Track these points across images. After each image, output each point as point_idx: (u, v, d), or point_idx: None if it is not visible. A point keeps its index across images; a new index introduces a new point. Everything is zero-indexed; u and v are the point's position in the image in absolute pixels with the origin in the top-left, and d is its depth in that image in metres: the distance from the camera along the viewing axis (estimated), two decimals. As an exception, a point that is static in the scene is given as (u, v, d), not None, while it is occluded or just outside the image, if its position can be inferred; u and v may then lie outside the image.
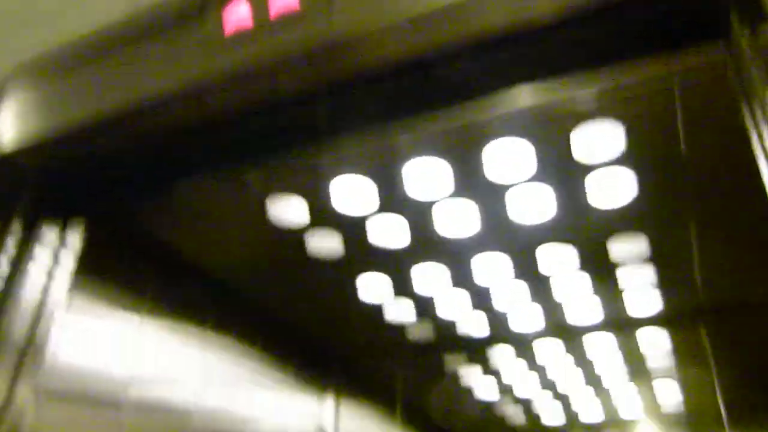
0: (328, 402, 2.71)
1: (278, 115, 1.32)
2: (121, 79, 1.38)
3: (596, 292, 2.11)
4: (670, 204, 1.68)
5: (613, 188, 1.62)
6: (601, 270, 1.97)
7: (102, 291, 1.70)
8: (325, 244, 1.88)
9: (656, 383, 2.96)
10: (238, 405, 2.15)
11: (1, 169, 1.50)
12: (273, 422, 2.31)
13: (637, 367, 2.76)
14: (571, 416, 3.38)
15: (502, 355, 2.67)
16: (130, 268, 1.83)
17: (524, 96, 1.27)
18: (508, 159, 1.54)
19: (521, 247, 1.87)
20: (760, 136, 1.01)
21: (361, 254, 1.92)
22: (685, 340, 2.48)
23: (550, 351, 2.60)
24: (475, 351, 2.65)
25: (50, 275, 1.53)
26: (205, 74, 1.26)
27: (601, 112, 1.37)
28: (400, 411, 3.24)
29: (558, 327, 2.37)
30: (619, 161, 1.51)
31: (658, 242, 1.83)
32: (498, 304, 2.20)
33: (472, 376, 2.93)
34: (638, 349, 2.57)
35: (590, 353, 2.60)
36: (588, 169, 1.55)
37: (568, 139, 1.44)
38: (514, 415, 3.42)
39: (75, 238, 1.60)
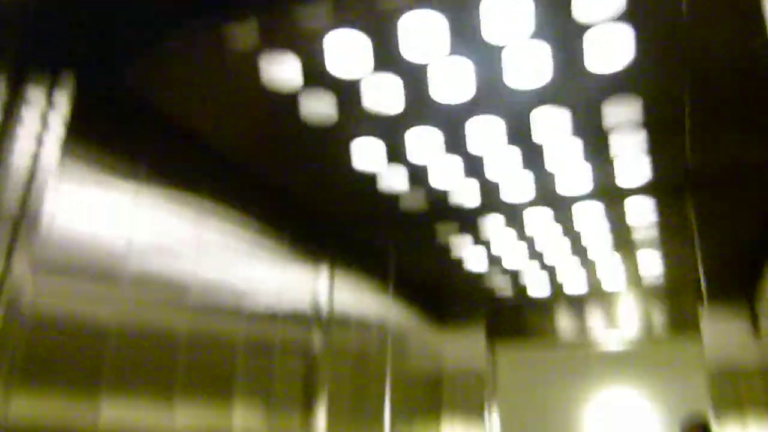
0: (323, 274, 2.78)
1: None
2: None
3: (587, 158, 2.13)
4: (666, 68, 1.67)
5: (611, 48, 1.60)
6: (593, 135, 1.98)
7: (95, 159, 1.67)
8: (319, 108, 1.86)
9: (640, 255, 3.05)
10: (234, 277, 2.19)
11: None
12: (269, 294, 2.38)
13: (622, 239, 2.83)
14: (557, 287, 3.50)
15: (492, 225, 2.73)
16: (122, 136, 1.80)
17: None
18: (506, 16, 1.50)
19: (516, 111, 1.86)
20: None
21: (356, 119, 1.91)
22: (670, 210, 2.54)
23: (540, 221, 2.66)
24: (467, 221, 2.70)
25: (40, 140, 1.50)
26: None
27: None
28: (392, 282, 3.34)
29: (548, 196, 2.41)
30: (618, 18, 1.48)
31: (652, 106, 1.83)
32: (490, 173, 2.22)
33: (462, 246, 3.00)
34: (625, 220, 2.63)
35: (578, 223, 2.66)
36: (587, 27, 1.53)
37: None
38: (502, 285, 3.54)
39: (63, 99, 1.56)
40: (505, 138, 2.00)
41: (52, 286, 1.52)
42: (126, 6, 1.40)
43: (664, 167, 2.17)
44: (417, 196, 2.43)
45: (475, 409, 3.81)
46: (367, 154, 2.12)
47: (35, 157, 1.50)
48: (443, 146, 2.06)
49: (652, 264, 3.17)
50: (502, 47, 1.60)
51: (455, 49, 1.60)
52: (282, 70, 1.69)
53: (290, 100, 1.82)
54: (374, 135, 2.01)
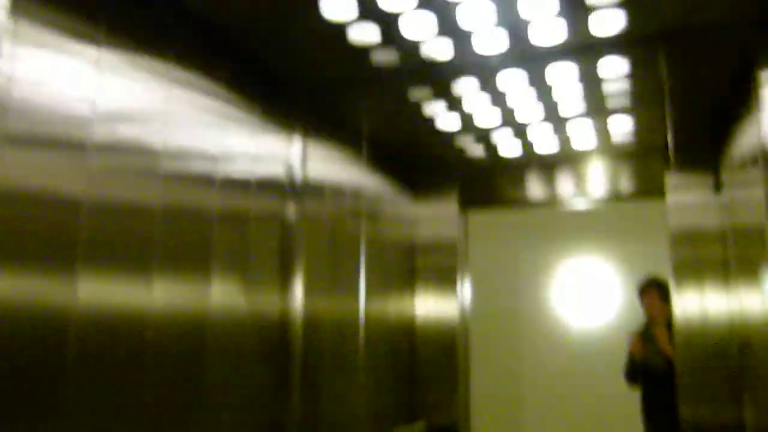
0: (296, 143, 2.77)
1: None
2: None
3: (562, 12, 2.09)
4: None
5: None
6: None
7: (51, 18, 1.58)
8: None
9: (611, 119, 3.08)
10: (206, 145, 2.17)
11: None
12: (241, 163, 2.37)
13: (594, 101, 2.84)
14: (528, 149, 3.54)
15: (465, 87, 2.72)
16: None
17: None
18: None
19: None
20: None
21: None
22: (643, 71, 2.54)
23: (512, 81, 2.64)
24: (439, 82, 2.68)
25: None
26: None
27: None
28: (365, 150, 3.35)
29: (521, 52, 2.38)
30: None
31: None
32: (463, 23, 2.17)
33: (435, 110, 2.99)
34: (598, 82, 2.63)
35: (551, 82, 2.65)
36: None
37: None
38: (474, 148, 3.56)
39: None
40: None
41: (16, 159, 1.47)
42: None
43: (639, 19, 2.14)
44: (388, 52, 2.38)
45: (447, 278, 3.94)
46: (336, 2, 2.04)
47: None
48: (415, -4, 2.00)
49: (622, 127, 3.21)
50: None
51: None
52: None
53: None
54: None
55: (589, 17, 2.13)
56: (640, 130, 3.23)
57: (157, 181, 1.93)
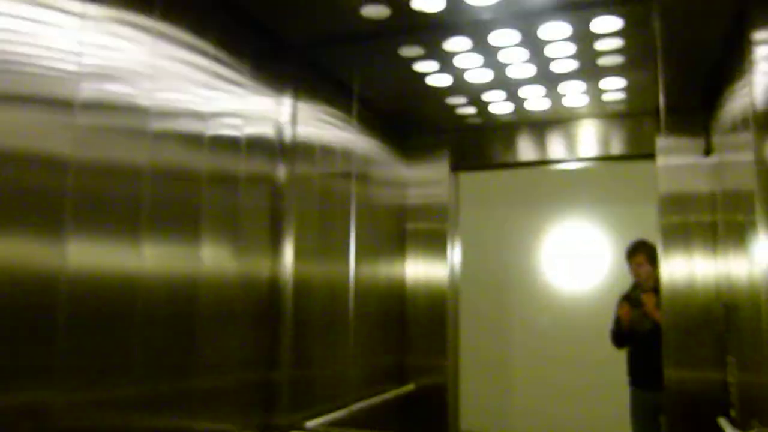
0: (286, 101, 2.74)
1: None
2: None
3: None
4: None
5: None
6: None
7: None
8: None
9: (604, 80, 3.06)
10: (195, 104, 2.13)
11: None
12: (231, 122, 2.34)
13: (587, 60, 2.82)
14: (519, 107, 3.51)
15: (457, 46, 2.69)
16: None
17: None
18: None
19: None
20: None
21: None
22: (637, 31, 2.51)
23: (505, 40, 2.62)
24: (431, 42, 2.65)
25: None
26: None
27: None
28: (356, 110, 3.32)
29: (515, 6, 2.35)
30: None
31: None
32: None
33: (426, 68, 2.96)
34: (591, 40, 2.60)
35: (543, 41, 2.62)
36: None
37: None
38: (466, 108, 3.54)
39: None
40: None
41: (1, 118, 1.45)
42: None
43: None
44: (379, 5, 2.35)
45: (438, 241, 3.94)
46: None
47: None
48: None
49: (614, 90, 3.19)
50: None
51: None
52: None
53: None
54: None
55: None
56: (631, 91, 3.21)
57: (144, 138, 1.90)
